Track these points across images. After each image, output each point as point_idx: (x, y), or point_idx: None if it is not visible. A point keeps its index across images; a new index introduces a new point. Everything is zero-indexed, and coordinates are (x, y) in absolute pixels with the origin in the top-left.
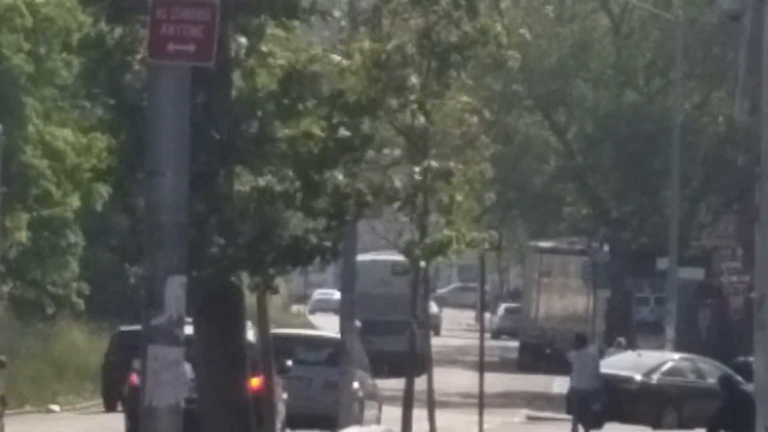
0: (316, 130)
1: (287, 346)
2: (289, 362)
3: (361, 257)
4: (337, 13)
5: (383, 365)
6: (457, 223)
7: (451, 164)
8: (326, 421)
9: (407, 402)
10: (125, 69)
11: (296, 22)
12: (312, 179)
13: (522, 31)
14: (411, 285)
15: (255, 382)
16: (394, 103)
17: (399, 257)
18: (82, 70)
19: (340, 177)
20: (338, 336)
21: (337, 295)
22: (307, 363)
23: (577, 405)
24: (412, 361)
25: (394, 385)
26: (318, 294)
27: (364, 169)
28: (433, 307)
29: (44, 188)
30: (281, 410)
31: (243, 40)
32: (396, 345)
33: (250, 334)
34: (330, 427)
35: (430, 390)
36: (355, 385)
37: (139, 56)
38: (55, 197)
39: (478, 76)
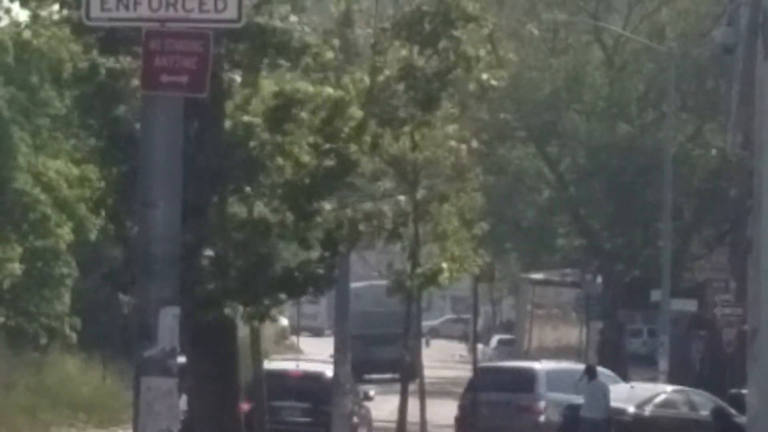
0: (306, 158)
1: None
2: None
3: (358, 284)
4: (329, 55)
5: (380, 370)
6: (450, 249)
7: (446, 187)
8: None
9: (403, 401)
10: (118, 100)
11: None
12: (304, 209)
13: (510, 55)
14: (404, 315)
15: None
16: (387, 134)
17: None
18: (75, 101)
19: (330, 207)
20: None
21: None
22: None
23: None
24: (405, 368)
25: (387, 416)
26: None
27: (356, 200)
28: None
29: (42, 213)
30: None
31: (237, 77)
32: (389, 353)
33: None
34: None
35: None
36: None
37: (132, 87)
38: (50, 224)
39: (465, 104)
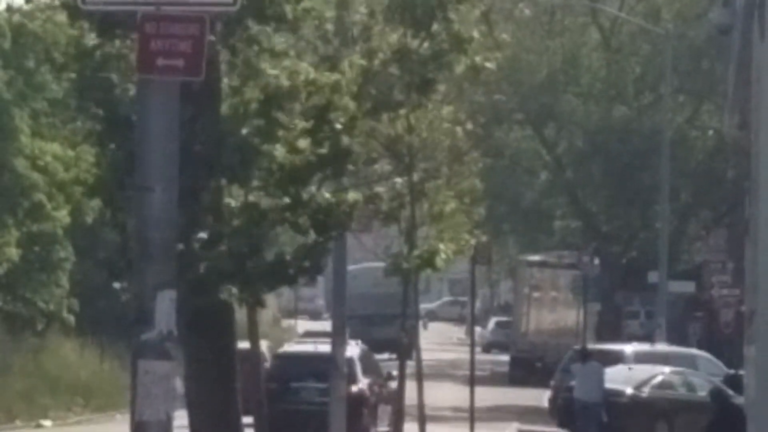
0: (302, 145)
1: None
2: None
3: (355, 266)
4: (328, 26)
5: (378, 349)
6: (447, 232)
7: (443, 170)
8: None
9: (400, 382)
10: (114, 83)
11: (284, 38)
12: (297, 194)
13: (504, 36)
14: (401, 297)
15: None
16: (384, 118)
17: None
18: (72, 84)
19: (325, 193)
20: None
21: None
22: None
23: (582, 415)
24: (402, 349)
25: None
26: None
27: (352, 185)
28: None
29: (37, 199)
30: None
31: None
32: (387, 334)
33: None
34: None
35: (420, 404)
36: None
37: (128, 71)
38: (47, 208)
39: (460, 87)
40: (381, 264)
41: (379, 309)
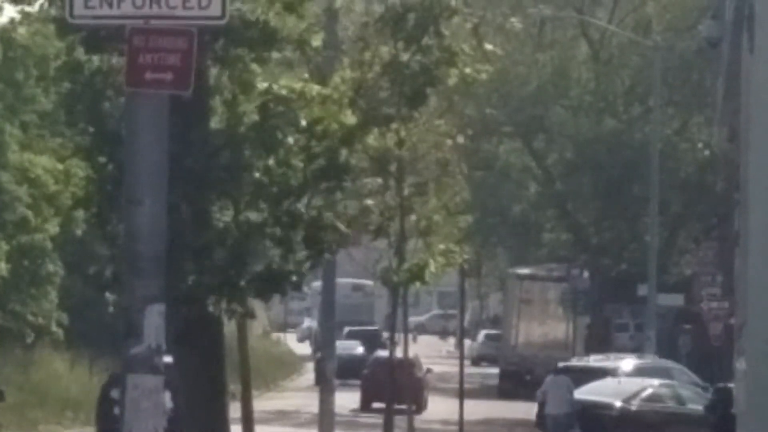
0: (295, 161)
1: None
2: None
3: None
4: (315, 43)
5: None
6: (435, 245)
7: (431, 183)
8: None
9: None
10: (103, 97)
11: (274, 54)
12: (288, 210)
13: (493, 47)
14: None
15: None
16: (375, 132)
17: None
18: (61, 98)
19: (316, 209)
20: None
21: None
22: None
23: (553, 428)
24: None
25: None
26: (308, 322)
27: (342, 199)
28: (358, 348)
29: (21, 214)
30: None
31: (224, 76)
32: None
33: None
34: None
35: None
36: None
37: (117, 85)
38: (33, 223)
39: (450, 99)
40: (350, 280)
41: (348, 317)
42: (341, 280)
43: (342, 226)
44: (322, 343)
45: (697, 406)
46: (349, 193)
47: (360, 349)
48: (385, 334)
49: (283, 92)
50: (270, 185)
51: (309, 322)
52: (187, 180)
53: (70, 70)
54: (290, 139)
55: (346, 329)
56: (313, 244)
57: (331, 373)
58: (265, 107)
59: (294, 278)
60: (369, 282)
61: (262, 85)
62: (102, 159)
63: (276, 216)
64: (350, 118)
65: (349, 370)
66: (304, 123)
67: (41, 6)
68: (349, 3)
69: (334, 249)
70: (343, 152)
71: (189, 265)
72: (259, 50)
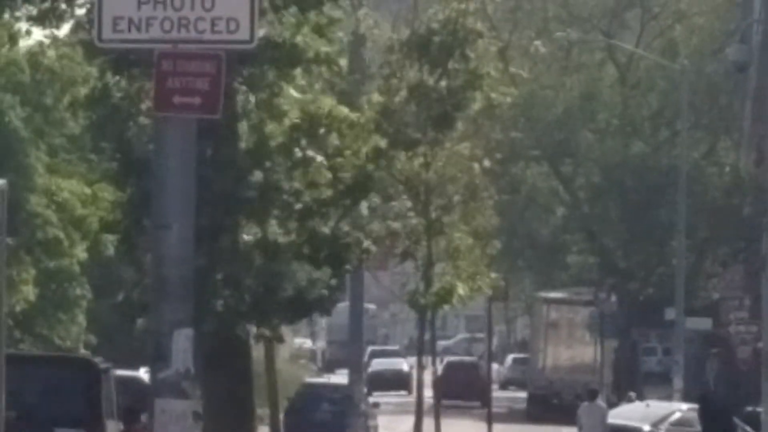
0: (323, 180)
1: None
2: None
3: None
4: (342, 62)
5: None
6: (463, 269)
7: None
8: None
9: (418, 419)
10: (131, 122)
11: (302, 76)
12: (315, 229)
13: (519, 71)
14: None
15: None
16: (402, 155)
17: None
18: (89, 124)
19: (344, 227)
20: None
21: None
22: None
23: None
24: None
25: None
26: (309, 344)
27: (370, 221)
28: (403, 365)
29: (52, 235)
30: None
31: (251, 98)
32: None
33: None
34: None
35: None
36: None
37: (144, 108)
38: (65, 243)
39: (477, 123)
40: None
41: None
42: (342, 305)
43: (366, 241)
44: (351, 369)
45: None
46: (375, 215)
47: (405, 366)
48: (407, 359)
49: (311, 109)
50: (297, 204)
51: (311, 344)
52: (215, 204)
53: (99, 96)
54: (319, 158)
55: (370, 348)
56: (337, 261)
57: (360, 396)
58: (294, 128)
59: (323, 297)
60: (372, 305)
61: (290, 107)
62: (129, 184)
63: (302, 235)
64: (378, 141)
65: (391, 382)
66: (334, 143)
67: (70, 29)
68: (374, 27)
69: (356, 264)
70: (370, 167)
71: (220, 290)
72: (286, 69)
